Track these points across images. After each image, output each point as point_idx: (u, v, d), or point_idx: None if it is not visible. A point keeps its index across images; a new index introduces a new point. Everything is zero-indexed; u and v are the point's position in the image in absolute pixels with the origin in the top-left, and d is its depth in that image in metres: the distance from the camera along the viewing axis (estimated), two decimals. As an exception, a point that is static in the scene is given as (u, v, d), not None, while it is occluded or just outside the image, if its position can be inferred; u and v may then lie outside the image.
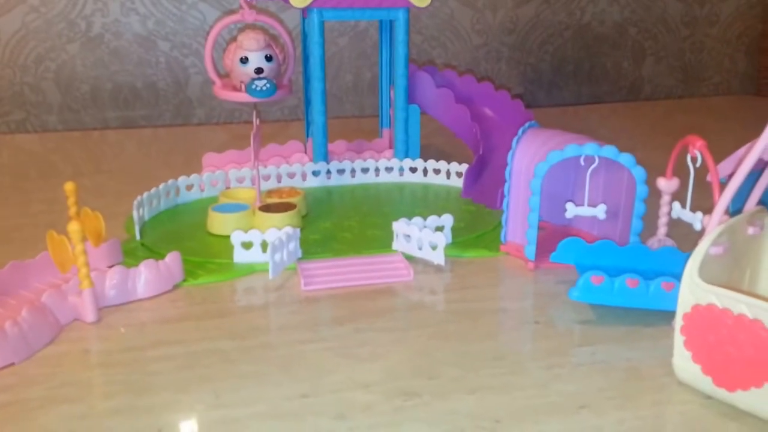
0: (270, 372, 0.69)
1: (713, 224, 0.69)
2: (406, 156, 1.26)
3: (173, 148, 1.58)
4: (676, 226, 0.86)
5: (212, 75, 1.12)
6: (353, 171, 1.23)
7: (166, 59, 1.80)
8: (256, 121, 1.00)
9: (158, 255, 0.89)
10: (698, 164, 0.80)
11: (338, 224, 1.05)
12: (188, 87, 1.83)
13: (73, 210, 0.86)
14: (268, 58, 1.05)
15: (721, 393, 0.63)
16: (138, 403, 0.64)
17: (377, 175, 1.25)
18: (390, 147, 1.32)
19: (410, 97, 1.26)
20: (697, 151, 0.79)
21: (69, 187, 0.86)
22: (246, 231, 0.91)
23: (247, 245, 0.91)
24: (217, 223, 0.99)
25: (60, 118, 1.77)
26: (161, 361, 0.71)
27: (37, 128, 1.77)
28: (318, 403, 0.64)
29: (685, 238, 0.87)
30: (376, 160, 1.25)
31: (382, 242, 0.97)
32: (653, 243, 0.88)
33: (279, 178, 1.20)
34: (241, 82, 1.06)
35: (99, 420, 0.62)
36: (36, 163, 1.45)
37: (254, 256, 0.91)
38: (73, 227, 0.74)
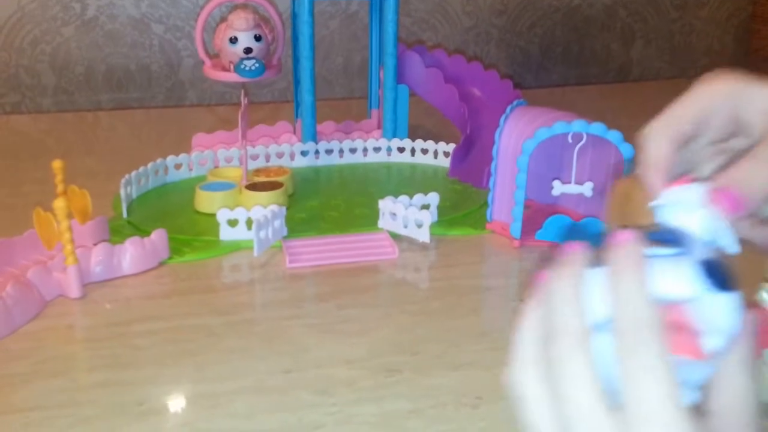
0: (254, 347, 0.70)
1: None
2: (395, 136, 1.26)
3: (165, 129, 1.57)
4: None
5: (202, 55, 1.11)
6: (341, 151, 1.23)
7: (160, 42, 1.79)
8: (244, 101, 1.00)
9: (145, 233, 0.89)
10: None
11: (325, 203, 1.05)
12: (181, 69, 1.82)
13: (60, 187, 0.86)
14: (258, 38, 1.04)
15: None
16: (121, 377, 0.64)
17: (365, 155, 1.24)
18: (378, 127, 1.32)
19: (399, 76, 1.26)
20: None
21: (57, 164, 0.86)
22: (232, 209, 0.91)
23: (232, 223, 0.91)
24: (204, 201, 0.99)
25: (54, 100, 1.76)
26: (145, 336, 0.71)
27: (31, 110, 1.76)
28: (301, 378, 0.64)
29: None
30: (365, 140, 1.24)
31: (369, 220, 0.97)
32: (638, 222, 0.88)
33: (267, 158, 1.19)
34: (230, 62, 1.05)
35: (81, 393, 0.62)
36: (29, 144, 1.45)
37: (240, 233, 0.91)
38: (59, 204, 0.74)
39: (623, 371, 0.31)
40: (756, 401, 0.34)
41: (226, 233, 0.91)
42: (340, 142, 1.23)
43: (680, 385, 0.30)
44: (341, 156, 1.23)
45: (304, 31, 1.15)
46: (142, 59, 1.79)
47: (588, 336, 0.32)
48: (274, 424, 0.59)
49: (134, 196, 1.05)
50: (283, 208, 0.92)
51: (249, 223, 0.91)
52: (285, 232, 0.92)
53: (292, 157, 1.21)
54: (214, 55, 1.11)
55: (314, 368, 0.66)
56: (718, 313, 0.31)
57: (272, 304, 0.78)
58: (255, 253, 0.86)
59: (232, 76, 1.05)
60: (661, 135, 0.41)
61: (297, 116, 1.29)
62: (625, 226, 0.35)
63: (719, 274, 0.32)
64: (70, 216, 0.77)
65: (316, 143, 1.22)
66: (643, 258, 0.32)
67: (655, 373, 0.30)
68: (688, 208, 0.36)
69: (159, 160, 1.11)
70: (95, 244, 0.85)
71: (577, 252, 0.35)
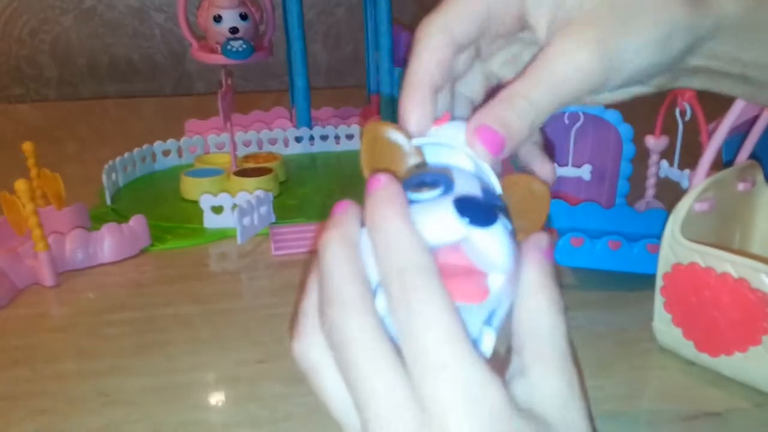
0: (229, 337, 0.66)
1: (699, 178, 0.64)
2: (393, 121, 1.22)
3: (171, 119, 1.53)
4: (668, 189, 0.82)
5: (188, 36, 1.07)
6: (337, 137, 1.19)
7: (161, 31, 1.76)
8: (226, 82, 0.96)
9: (128, 220, 0.86)
10: (687, 118, 0.75)
11: (317, 190, 1.01)
12: (186, 59, 1.78)
13: (33, 172, 0.83)
14: (243, 17, 1.01)
15: (704, 358, 0.59)
16: (84, 368, 0.61)
17: (362, 141, 1.20)
18: (377, 113, 1.28)
19: (396, 59, 1.22)
20: (686, 103, 0.74)
21: (27, 147, 0.83)
22: (217, 195, 0.88)
23: (217, 210, 0.88)
24: (190, 187, 0.96)
25: (58, 92, 1.74)
26: (117, 326, 0.68)
27: (36, 102, 1.73)
28: (273, 369, 0.61)
29: (677, 201, 0.83)
30: (361, 126, 1.20)
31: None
32: (641, 206, 0.84)
33: (260, 144, 1.15)
34: (217, 42, 1.02)
35: (41, 384, 0.59)
36: (32, 134, 1.41)
37: (225, 220, 0.87)
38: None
39: (397, 326, 0.28)
40: (565, 326, 0.31)
41: (210, 220, 0.88)
42: (336, 127, 1.19)
43: (468, 329, 0.28)
44: (337, 142, 1.19)
45: (292, 9, 1.11)
46: (144, 49, 1.76)
47: (362, 299, 0.29)
48: (242, 415, 0.55)
49: (121, 183, 1.01)
50: (270, 194, 0.88)
51: (234, 209, 0.87)
52: (272, 218, 0.89)
53: (286, 143, 1.17)
54: (200, 37, 1.07)
55: (289, 358, 0.62)
56: (486, 249, 0.29)
57: (253, 293, 0.75)
58: (239, 240, 0.83)
59: (219, 58, 1.01)
60: (437, 39, 0.35)
61: (293, 102, 1.25)
62: (380, 171, 0.33)
63: (475, 210, 0.29)
64: (37, 199, 0.74)
65: (311, 129, 1.18)
66: (400, 201, 0.30)
67: (429, 320, 0.27)
68: (447, 149, 0.34)
69: (146, 147, 1.07)
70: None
71: (345, 211, 0.32)
